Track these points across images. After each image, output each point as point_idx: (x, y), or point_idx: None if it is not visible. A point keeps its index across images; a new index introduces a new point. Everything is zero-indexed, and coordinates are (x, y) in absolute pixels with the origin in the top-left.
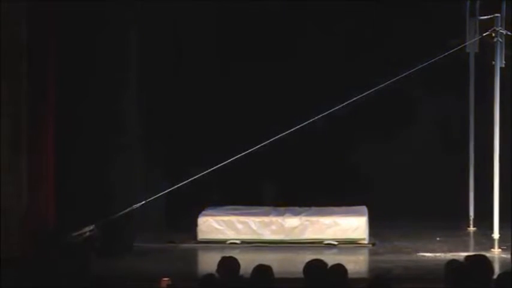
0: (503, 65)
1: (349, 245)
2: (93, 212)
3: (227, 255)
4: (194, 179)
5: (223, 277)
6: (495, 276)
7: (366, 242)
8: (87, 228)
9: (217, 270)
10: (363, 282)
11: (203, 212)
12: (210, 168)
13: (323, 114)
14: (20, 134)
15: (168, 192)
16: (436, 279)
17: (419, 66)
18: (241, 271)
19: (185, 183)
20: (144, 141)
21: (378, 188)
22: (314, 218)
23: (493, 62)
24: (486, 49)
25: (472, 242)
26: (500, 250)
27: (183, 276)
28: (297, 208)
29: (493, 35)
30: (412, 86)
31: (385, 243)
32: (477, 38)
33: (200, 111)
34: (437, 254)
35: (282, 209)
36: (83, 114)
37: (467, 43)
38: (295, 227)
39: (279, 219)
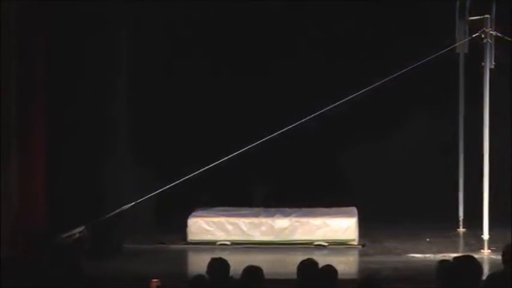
0: (493, 66)
1: (339, 246)
2: (83, 213)
3: (217, 256)
4: (183, 180)
5: (213, 278)
6: (484, 277)
7: (355, 243)
8: (77, 230)
9: (207, 272)
10: (353, 283)
11: (193, 213)
12: (199, 170)
13: (314, 115)
14: (10, 134)
15: (158, 193)
16: (426, 280)
17: (410, 67)
18: (231, 272)
19: (174, 184)
20: (134, 142)
21: (368, 189)
22: (304, 219)
23: (483, 63)
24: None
25: (461, 243)
26: (489, 251)
27: (172, 277)
28: (287, 209)
29: (483, 36)
30: (404, 87)
31: (375, 244)
32: (467, 39)
33: (191, 112)
34: (427, 255)
35: (272, 210)
36: (73, 115)
37: (457, 44)
38: (285, 228)
39: (269, 220)
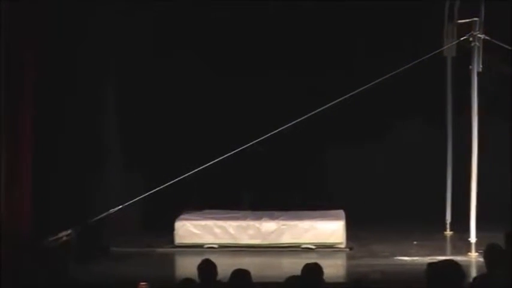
0: (481, 70)
1: (326, 249)
2: (70, 216)
3: (205, 258)
4: (170, 183)
5: (202, 281)
6: (470, 280)
7: (343, 246)
8: (64, 233)
9: (198, 274)
10: (340, 286)
11: (180, 217)
12: (186, 173)
13: (302, 118)
14: None
15: (145, 196)
16: (414, 283)
17: (397, 71)
18: (219, 276)
19: (162, 188)
20: (122, 145)
21: (356, 193)
22: (291, 222)
23: (470, 67)
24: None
25: (448, 246)
26: (477, 254)
27: (160, 280)
28: (274, 212)
29: (471, 39)
30: (392, 90)
31: (363, 247)
32: (454, 42)
33: (179, 116)
34: (415, 258)
35: (259, 213)
36: (61, 117)
37: (444, 47)
38: (273, 231)
39: (257, 223)
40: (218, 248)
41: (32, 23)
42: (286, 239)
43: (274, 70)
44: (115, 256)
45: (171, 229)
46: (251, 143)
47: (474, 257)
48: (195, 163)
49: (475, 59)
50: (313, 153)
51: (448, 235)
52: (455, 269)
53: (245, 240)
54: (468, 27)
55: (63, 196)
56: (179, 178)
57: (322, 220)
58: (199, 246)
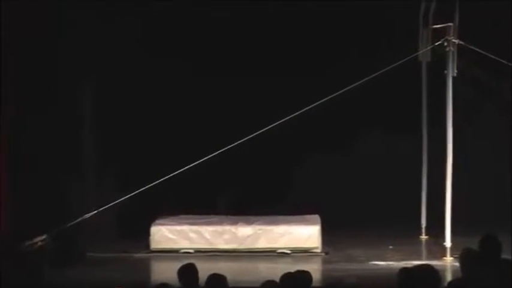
0: (456, 75)
1: (302, 253)
2: (46, 221)
3: (188, 263)
4: (146, 188)
5: (184, 286)
6: (445, 284)
7: (319, 250)
8: (39, 238)
9: (179, 279)
10: None
11: (156, 222)
12: (162, 178)
13: (275, 124)
14: None
15: (121, 201)
16: None
17: (372, 76)
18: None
19: (137, 193)
20: (98, 151)
21: (331, 197)
22: (267, 227)
23: (445, 71)
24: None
25: (424, 250)
26: (452, 258)
27: (136, 285)
28: (250, 217)
29: (446, 44)
30: (366, 96)
31: (338, 252)
32: (429, 47)
33: (154, 121)
34: (390, 263)
35: (235, 218)
36: (37, 120)
37: (419, 52)
38: (249, 236)
39: (232, 228)
40: (194, 253)
41: (14, 24)
42: (262, 243)
43: (245, 77)
44: (91, 261)
45: (147, 234)
46: (226, 148)
47: (449, 261)
48: (170, 168)
49: (450, 64)
50: (288, 159)
51: (424, 239)
52: (430, 274)
53: (221, 245)
54: (443, 32)
55: (39, 201)
56: (154, 183)
57: (298, 225)
58: (175, 251)
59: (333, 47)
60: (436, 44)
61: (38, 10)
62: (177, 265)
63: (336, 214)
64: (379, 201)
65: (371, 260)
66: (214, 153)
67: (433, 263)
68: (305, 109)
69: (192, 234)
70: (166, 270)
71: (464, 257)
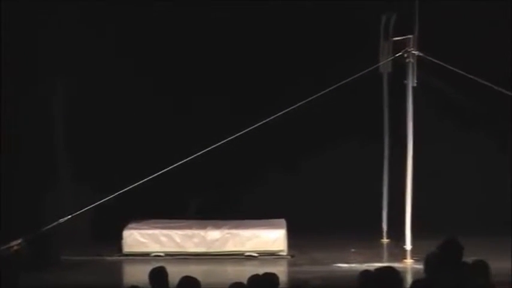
0: (415, 85)
1: (269, 256)
2: (21, 225)
3: (158, 266)
4: (118, 194)
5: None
6: (407, 286)
7: (285, 253)
8: (14, 242)
9: (150, 282)
10: None
11: (128, 226)
12: (134, 183)
13: (246, 131)
14: None
15: (95, 206)
16: None
17: (335, 86)
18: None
19: (110, 198)
20: (72, 155)
21: (297, 202)
22: (235, 231)
23: (405, 82)
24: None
25: (385, 253)
26: (412, 261)
27: None
28: (219, 221)
29: (405, 55)
30: (330, 106)
31: (304, 254)
32: (390, 58)
33: (127, 127)
34: (353, 265)
35: (204, 222)
36: (11, 126)
37: (380, 63)
38: (217, 240)
39: (202, 232)
40: (164, 256)
41: None
42: (230, 247)
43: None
44: (65, 264)
45: (120, 238)
46: (196, 155)
47: (409, 263)
48: (143, 174)
49: (410, 74)
50: (255, 166)
51: (385, 242)
52: (392, 275)
53: (191, 248)
54: (403, 44)
55: (14, 205)
56: (126, 189)
57: (265, 229)
58: (147, 254)
59: (294, 61)
60: (397, 55)
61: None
62: (148, 268)
63: (301, 219)
64: (342, 206)
65: (335, 263)
66: (183, 161)
67: (394, 265)
68: (270, 118)
69: (162, 238)
70: (137, 273)
71: (428, 259)
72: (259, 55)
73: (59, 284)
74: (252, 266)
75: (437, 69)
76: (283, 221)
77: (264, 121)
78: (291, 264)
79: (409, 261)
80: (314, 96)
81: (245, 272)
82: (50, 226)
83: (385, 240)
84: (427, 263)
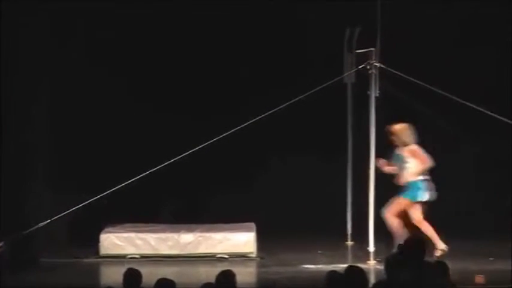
0: (378, 95)
1: (239, 258)
2: (1, 227)
3: (130, 267)
4: (96, 199)
5: None
6: (370, 286)
7: (254, 255)
8: None
9: (123, 283)
10: None
11: (105, 229)
12: (111, 189)
13: (219, 138)
14: None
15: (74, 210)
16: None
17: (301, 97)
18: (142, 284)
19: (88, 202)
20: (53, 159)
21: (266, 206)
22: (207, 234)
23: (368, 92)
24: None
25: (350, 254)
26: (375, 262)
27: None
28: (191, 225)
29: (368, 67)
30: (295, 112)
31: (272, 256)
32: (353, 70)
33: (106, 130)
34: (319, 266)
35: (178, 225)
36: None
37: (344, 75)
38: (190, 243)
39: (175, 235)
40: (140, 258)
41: None
42: (203, 249)
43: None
44: (44, 266)
45: (97, 241)
46: (172, 160)
47: (372, 264)
48: (119, 179)
49: (373, 85)
50: (225, 172)
51: (349, 245)
52: (358, 275)
53: (165, 250)
54: (366, 56)
55: None
56: (104, 193)
57: (235, 232)
58: (123, 256)
59: (259, 72)
60: (360, 67)
61: None
62: (123, 270)
63: (270, 222)
64: (309, 210)
65: (302, 264)
66: (158, 167)
67: (358, 265)
68: (239, 127)
69: (138, 241)
70: (113, 275)
71: (387, 260)
72: (224, 66)
73: (38, 285)
74: (223, 267)
75: (399, 80)
76: (252, 225)
77: (233, 130)
78: (260, 266)
79: (372, 263)
80: (282, 106)
81: (216, 272)
82: (31, 230)
83: (349, 243)
84: (387, 264)
